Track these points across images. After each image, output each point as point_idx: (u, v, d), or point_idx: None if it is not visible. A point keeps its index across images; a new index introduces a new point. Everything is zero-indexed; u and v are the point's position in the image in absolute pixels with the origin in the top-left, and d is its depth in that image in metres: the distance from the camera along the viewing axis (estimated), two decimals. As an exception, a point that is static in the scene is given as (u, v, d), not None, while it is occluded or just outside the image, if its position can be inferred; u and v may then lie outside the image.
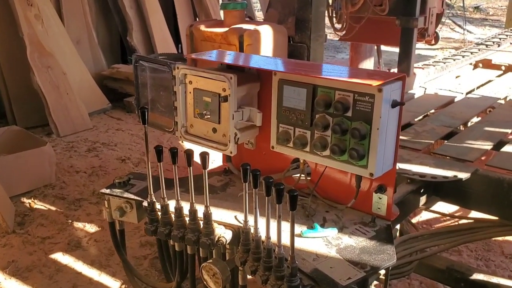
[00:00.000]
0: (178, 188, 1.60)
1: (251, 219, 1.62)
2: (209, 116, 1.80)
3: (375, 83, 1.39)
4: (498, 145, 2.45)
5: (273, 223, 1.35)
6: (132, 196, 1.85)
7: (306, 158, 1.66)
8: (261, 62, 1.87)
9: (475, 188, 2.13)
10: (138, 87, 2.06)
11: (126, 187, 1.92)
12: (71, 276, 3.16)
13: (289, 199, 1.21)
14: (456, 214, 3.53)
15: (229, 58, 1.97)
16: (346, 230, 1.62)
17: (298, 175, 1.82)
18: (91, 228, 3.72)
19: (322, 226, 1.62)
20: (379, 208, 1.67)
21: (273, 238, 1.38)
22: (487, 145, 2.43)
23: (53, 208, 4.01)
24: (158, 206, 1.73)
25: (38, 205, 4.06)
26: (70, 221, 3.81)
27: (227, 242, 1.61)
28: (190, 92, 1.86)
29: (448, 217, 3.61)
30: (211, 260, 1.60)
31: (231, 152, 1.77)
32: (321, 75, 1.53)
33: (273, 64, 1.86)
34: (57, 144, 5.31)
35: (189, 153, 1.50)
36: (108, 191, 1.90)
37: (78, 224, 3.77)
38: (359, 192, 1.67)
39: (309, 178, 1.83)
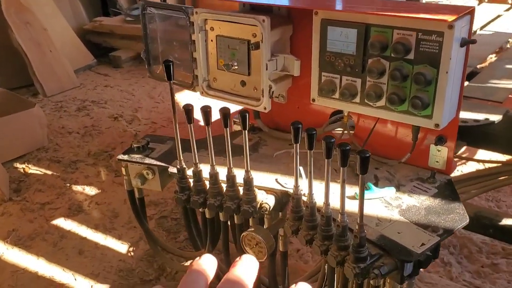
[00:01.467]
0: (212, 151, 1.39)
1: (290, 182, 1.44)
2: (236, 67, 1.57)
3: (447, 18, 1.17)
4: (525, 83, 2.30)
5: (321, 185, 1.17)
6: (154, 162, 1.64)
7: (356, 111, 1.45)
8: (294, -1, 1.61)
9: (505, 131, 1.96)
10: (147, 38, 1.81)
11: (145, 151, 1.70)
12: (76, 241, 3.01)
13: (360, 160, 1.01)
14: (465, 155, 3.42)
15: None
16: (404, 188, 1.44)
17: (340, 129, 1.62)
18: (90, 190, 3.55)
19: (376, 185, 1.45)
20: (437, 162, 1.48)
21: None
22: (513, 84, 2.28)
23: (49, 172, 3.81)
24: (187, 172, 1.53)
25: (33, 169, 3.85)
26: (68, 184, 3.62)
27: (271, 209, 1.43)
28: (212, 40, 1.61)
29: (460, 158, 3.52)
30: (252, 229, 1.42)
31: (265, 108, 1.56)
32: (375, 11, 1.30)
33: (311, 1, 1.59)
34: (45, 104, 5.03)
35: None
36: (126, 157, 1.67)
37: (77, 187, 3.59)
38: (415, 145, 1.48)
39: (352, 132, 1.63)
